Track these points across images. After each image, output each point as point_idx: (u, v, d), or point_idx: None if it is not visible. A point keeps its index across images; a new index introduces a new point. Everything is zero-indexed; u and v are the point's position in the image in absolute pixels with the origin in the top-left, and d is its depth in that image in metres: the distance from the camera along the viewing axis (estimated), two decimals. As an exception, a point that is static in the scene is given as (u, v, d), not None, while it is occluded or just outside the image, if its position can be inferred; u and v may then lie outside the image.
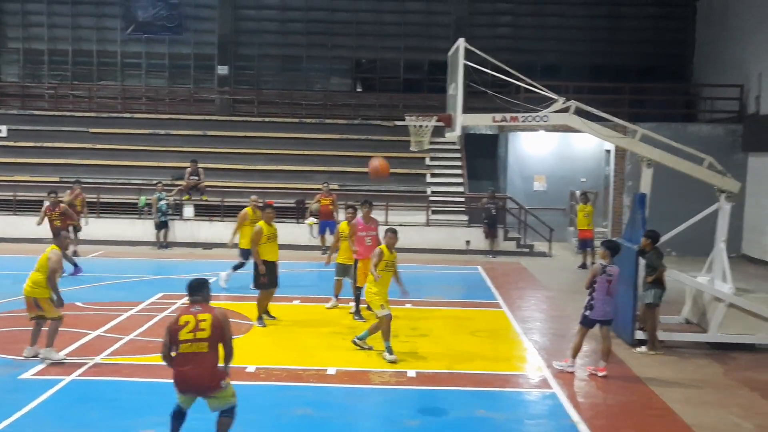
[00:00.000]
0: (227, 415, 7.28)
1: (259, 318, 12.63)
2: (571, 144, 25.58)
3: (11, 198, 23.07)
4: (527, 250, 22.45)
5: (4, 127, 26.64)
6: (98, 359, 10.33)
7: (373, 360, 10.71)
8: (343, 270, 13.79)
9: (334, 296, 14.06)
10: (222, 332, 7.09)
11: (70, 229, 18.23)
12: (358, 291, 13.05)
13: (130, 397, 8.97)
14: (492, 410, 8.91)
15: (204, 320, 7.04)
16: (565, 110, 12.36)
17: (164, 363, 7.24)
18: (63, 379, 9.38)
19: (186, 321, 7.05)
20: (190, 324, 7.03)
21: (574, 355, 10.44)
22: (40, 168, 24.94)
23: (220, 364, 7.20)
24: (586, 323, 10.43)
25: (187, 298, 7.34)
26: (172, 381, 7.19)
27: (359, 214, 13.75)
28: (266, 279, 12.51)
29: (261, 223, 12.68)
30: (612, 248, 10.55)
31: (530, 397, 9.57)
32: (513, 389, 9.89)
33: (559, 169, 25.69)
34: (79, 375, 9.62)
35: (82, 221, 19.77)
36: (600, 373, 10.25)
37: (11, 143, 26.13)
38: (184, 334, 7.01)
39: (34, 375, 9.54)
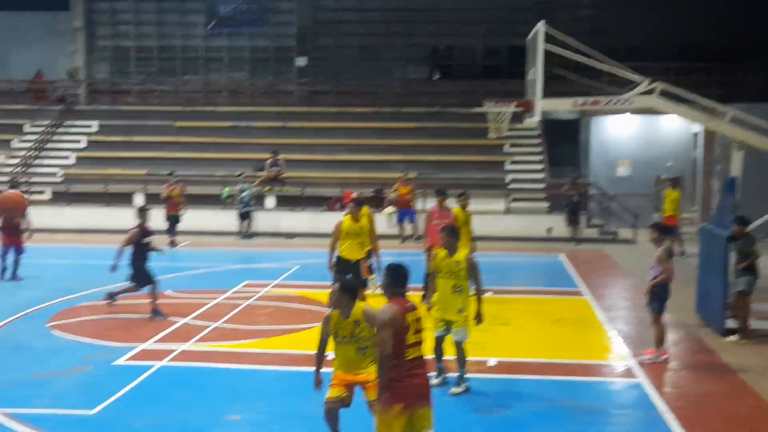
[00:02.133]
0: None
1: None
2: (656, 127, 24.85)
3: (103, 191, 23.95)
4: (611, 237, 21.97)
5: (95, 123, 27.70)
6: (187, 346, 10.65)
7: (453, 349, 10.68)
8: None
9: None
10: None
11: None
12: (428, 278, 12.94)
13: (217, 382, 9.21)
14: (576, 400, 8.77)
15: (418, 319, 5.98)
16: (650, 92, 12.03)
17: (382, 372, 5.79)
18: (154, 364, 9.71)
19: (410, 320, 5.87)
20: (412, 325, 5.88)
21: (660, 345, 10.18)
22: (129, 162, 25.83)
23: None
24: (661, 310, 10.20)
25: (391, 288, 6.07)
26: (387, 399, 5.78)
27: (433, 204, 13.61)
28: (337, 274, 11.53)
29: (345, 218, 12.35)
30: (659, 230, 10.28)
31: (615, 387, 9.39)
32: (598, 378, 9.72)
33: (644, 153, 25.00)
34: (169, 361, 9.93)
35: (181, 212, 20.42)
36: (663, 357, 10.06)
37: (102, 138, 27.13)
38: (411, 337, 5.85)
39: (126, 361, 9.91)
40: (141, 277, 12.45)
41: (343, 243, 11.91)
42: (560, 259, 18.70)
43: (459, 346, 8.88)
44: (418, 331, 5.93)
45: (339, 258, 11.86)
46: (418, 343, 5.93)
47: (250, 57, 30.15)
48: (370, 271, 11.68)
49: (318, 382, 6.69)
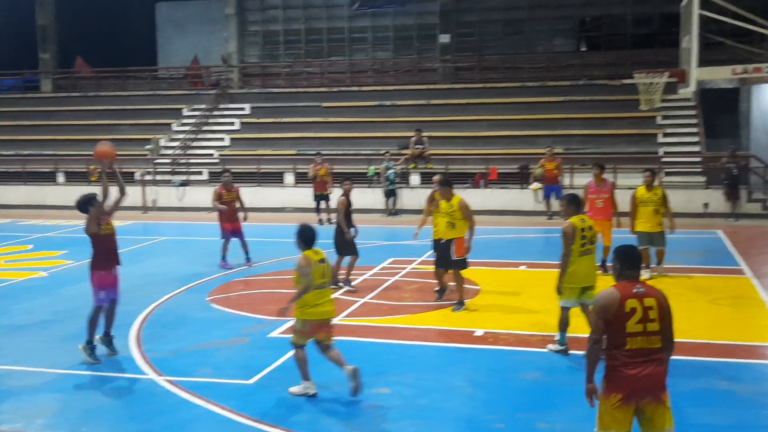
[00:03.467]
0: None
1: None
2: (826, 94, 23.02)
3: (255, 170, 25.02)
4: (774, 212, 20.63)
5: (247, 105, 28.91)
6: (337, 320, 10.99)
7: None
8: (647, 238, 13.22)
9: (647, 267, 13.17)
10: (669, 321, 5.64)
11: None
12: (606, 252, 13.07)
13: (366, 356, 9.43)
14: (736, 382, 8.37)
15: (651, 308, 5.50)
16: (819, 57, 11.15)
17: (590, 355, 5.62)
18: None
19: (632, 307, 5.46)
20: (637, 312, 5.47)
21: None
22: (279, 142, 26.81)
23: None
24: None
25: (619, 270, 5.71)
26: (605, 387, 5.57)
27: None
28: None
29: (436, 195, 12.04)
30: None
31: (779, 370, 8.88)
32: (759, 361, 9.22)
33: (812, 122, 23.24)
34: (320, 334, 10.28)
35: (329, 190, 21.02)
36: None
37: (254, 120, 28.29)
38: (632, 325, 5.45)
39: (280, 334, 10.37)
40: (344, 247, 12.97)
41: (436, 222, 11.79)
42: (719, 236, 17.78)
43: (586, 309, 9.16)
44: (646, 320, 5.47)
45: (433, 239, 11.86)
46: (644, 333, 5.47)
47: (394, 36, 30.43)
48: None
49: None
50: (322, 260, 8.24)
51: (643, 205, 13.11)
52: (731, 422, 7.36)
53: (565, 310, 9.32)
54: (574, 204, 9.34)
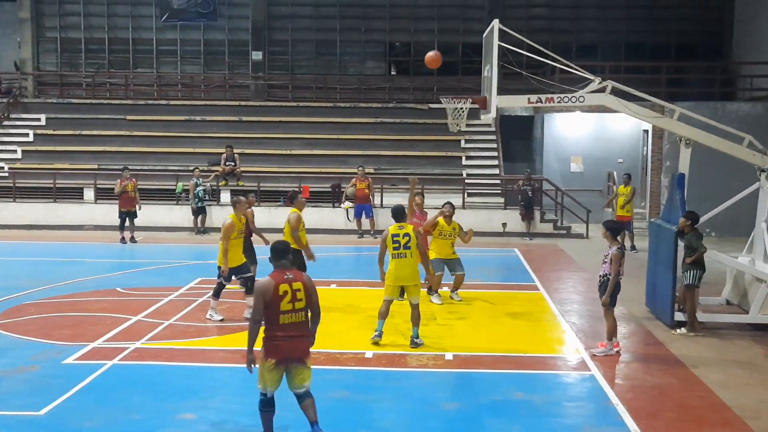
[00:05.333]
0: (310, 394, 7.16)
1: None
2: (608, 124, 25.24)
3: (51, 185, 23.47)
4: (564, 232, 22.28)
5: (43, 116, 27.10)
6: (139, 344, 10.50)
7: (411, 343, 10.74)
8: (441, 265, 13.50)
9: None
10: (312, 299, 7.05)
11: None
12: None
13: (170, 381, 9.10)
14: (530, 392, 8.87)
15: (299, 290, 6.93)
16: (601, 90, 12.19)
17: (251, 332, 6.93)
18: (105, 363, 9.54)
19: (285, 291, 6.86)
20: (288, 294, 6.87)
21: (611, 337, 10.36)
22: (78, 155, 25.33)
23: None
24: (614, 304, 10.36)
25: (271, 261, 7.09)
26: (263, 350, 6.95)
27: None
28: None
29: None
30: (612, 229, 10.38)
31: (568, 380, 9.51)
32: (551, 371, 9.84)
33: (596, 149, 25.38)
34: (120, 359, 9.77)
35: (137, 207, 20.15)
36: (615, 349, 10.26)
37: (50, 131, 26.56)
38: (284, 305, 6.85)
39: (76, 360, 9.72)
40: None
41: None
42: (515, 254, 18.90)
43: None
44: (295, 300, 6.88)
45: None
46: (294, 311, 6.90)
47: (204, 50, 29.77)
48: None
49: None
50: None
51: (441, 238, 13.53)
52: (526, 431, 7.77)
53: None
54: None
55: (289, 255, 7.20)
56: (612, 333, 10.34)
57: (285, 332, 6.87)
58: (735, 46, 27.01)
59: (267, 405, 7.13)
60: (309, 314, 7.09)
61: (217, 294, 11.95)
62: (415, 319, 10.52)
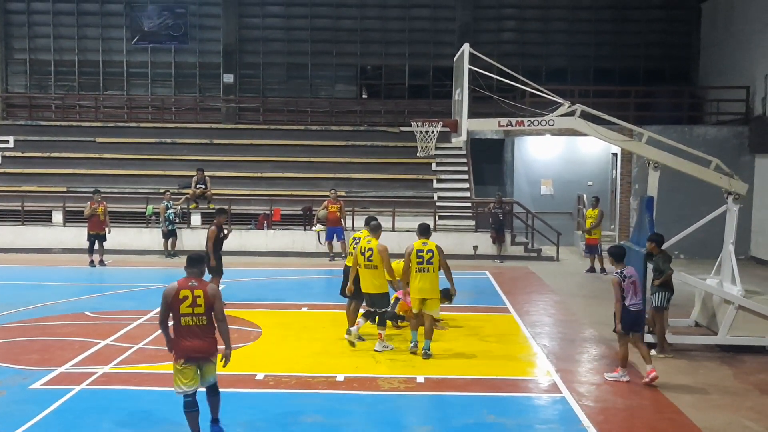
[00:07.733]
0: (216, 392, 7.99)
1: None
2: (577, 148, 25.53)
3: (19, 208, 23.15)
4: (535, 254, 22.40)
5: (11, 138, 26.76)
6: (107, 368, 10.35)
7: (383, 366, 10.71)
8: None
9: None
10: (215, 306, 7.67)
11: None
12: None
13: (139, 405, 8.97)
14: (502, 415, 8.88)
15: (199, 296, 7.63)
16: (571, 114, 12.35)
17: (163, 332, 7.85)
18: (72, 388, 9.39)
19: (185, 295, 7.61)
20: (188, 299, 7.60)
21: (624, 365, 10.35)
22: (47, 178, 25.04)
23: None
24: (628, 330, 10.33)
25: (185, 269, 7.85)
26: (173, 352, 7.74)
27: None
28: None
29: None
30: (615, 255, 10.49)
31: (540, 402, 9.54)
32: (523, 394, 9.86)
33: (566, 172, 25.63)
34: (89, 384, 9.63)
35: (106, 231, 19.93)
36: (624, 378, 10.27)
37: (18, 153, 26.24)
38: (184, 308, 7.60)
39: (43, 385, 9.55)
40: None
41: None
42: (487, 276, 18.96)
43: None
44: (195, 305, 7.61)
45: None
46: (193, 314, 7.61)
47: (175, 73, 29.68)
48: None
49: None
50: None
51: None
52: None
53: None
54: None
55: (202, 265, 8.02)
56: (624, 361, 10.31)
57: (187, 333, 7.62)
58: (702, 71, 27.57)
59: (190, 406, 7.74)
60: (213, 320, 7.76)
61: None
62: (428, 331, 11.12)
